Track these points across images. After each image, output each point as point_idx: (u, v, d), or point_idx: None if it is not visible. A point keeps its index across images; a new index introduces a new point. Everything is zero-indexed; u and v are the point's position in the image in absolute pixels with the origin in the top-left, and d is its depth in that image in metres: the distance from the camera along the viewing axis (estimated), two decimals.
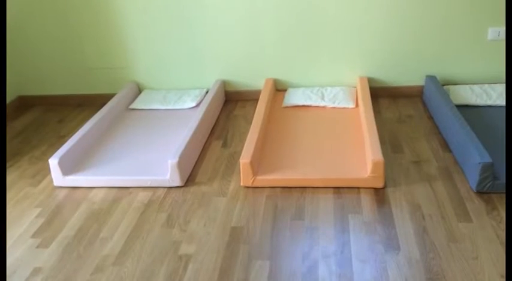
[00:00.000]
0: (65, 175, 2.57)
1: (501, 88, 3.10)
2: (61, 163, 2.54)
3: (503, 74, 3.22)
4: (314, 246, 2.03)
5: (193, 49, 3.40)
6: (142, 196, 2.45)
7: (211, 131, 3.10)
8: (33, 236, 2.22)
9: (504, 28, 3.08)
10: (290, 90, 3.39)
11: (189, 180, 2.57)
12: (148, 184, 2.50)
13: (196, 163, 2.73)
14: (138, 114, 3.25)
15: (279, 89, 3.48)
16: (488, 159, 2.21)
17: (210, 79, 3.49)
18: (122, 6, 3.30)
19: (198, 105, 3.28)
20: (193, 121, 2.85)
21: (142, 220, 2.28)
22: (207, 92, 3.40)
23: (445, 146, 2.70)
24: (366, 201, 2.30)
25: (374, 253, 1.97)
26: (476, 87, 3.14)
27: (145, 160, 2.68)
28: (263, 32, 3.29)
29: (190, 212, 2.31)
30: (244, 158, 2.43)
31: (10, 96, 3.66)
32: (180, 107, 3.28)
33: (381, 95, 3.38)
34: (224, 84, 3.50)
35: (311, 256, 1.98)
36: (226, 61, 3.43)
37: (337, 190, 2.40)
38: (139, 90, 3.58)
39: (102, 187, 2.55)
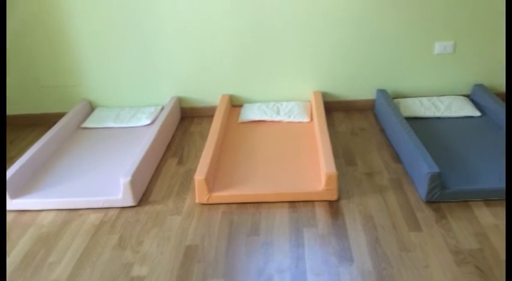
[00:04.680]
0: (12, 198, 2.46)
1: (448, 100, 3.22)
2: (8, 186, 2.44)
3: (451, 86, 3.34)
4: (269, 261, 2.02)
5: (148, 66, 3.37)
6: (94, 218, 2.38)
7: (167, 148, 3.06)
8: None
9: (450, 42, 3.21)
10: (246, 106, 3.41)
11: (143, 199, 2.51)
12: (99, 205, 2.43)
13: (150, 181, 2.68)
14: (91, 133, 3.18)
15: (235, 104, 3.49)
16: (436, 169, 2.27)
17: (166, 96, 3.46)
18: (73, 23, 3.24)
19: (153, 122, 3.24)
20: (147, 138, 2.80)
21: (93, 242, 2.20)
22: (162, 109, 3.36)
23: (396, 157, 2.76)
24: (321, 214, 2.31)
25: (328, 265, 1.98)
26: (425, 99, 3.25)
27: (97, 180, 2.61)
28: (218, 49, 3.30)
29: (143, 232, 2.25)
30: (199, 175, 2.41)
31: None
32: (135, 124, 3.22)
33: (335, 108, 3.44)
34: (180, 101, 3.48)
35: (266, 271, 1.97)
36: (181, 78, 3.41)
37: (293, 204, 2.41)
38: (91, 108, 3.50)
39: (51, 209, 2.46)
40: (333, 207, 2.36)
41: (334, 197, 2.39)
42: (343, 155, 2.83)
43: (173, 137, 3.21)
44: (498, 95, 3.20)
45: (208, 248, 2.12)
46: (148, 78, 3.42)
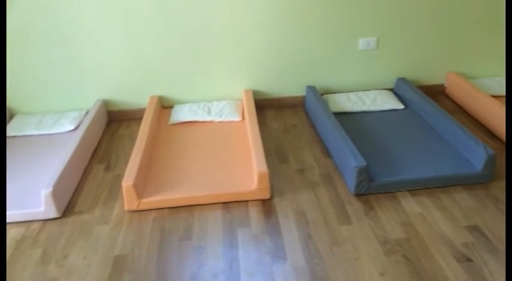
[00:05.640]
0: None
1: (373, 95, 3.32)
2: None
3: (375, 80, 3.45)
4: (203, 266, 1.98)
5: (70, 68, 3.20)
6: (14, 232, 2.22)
7: (93, 154, 2.92)
8: None
9: (373, 38, 3.31)
10: (176, 107, 3.33)
11: (68, 210, 2.38)
12: (20, 219, 2.28)
13: (75, 190, 2.55)
14: (10, 142, 2.96)
15: (165, 106, 3.40)
16: (363, 163, 2.33)
17: (91, 99, 3.30)
18: None
19: (77, 128, 3.08)
20: (70, 145, 2.66)
21: (13, 259, 2.06)
22: (87, 113, 3.20)
23: (326, 152, 2.81)
24: (254, 213, 2.30)
25: (262, 265, 1.97)
26: (352, 94, 3.33)
27: (18, 192, 2.44)
28: (146, 50, 3.20)
29: (68, 245, 2.13)
30: (127, 181, 2.32)
31: None
32: (57, 131, 3.05)
33: (266, 106, 3.45)
34: (106, 104, 3.34)
35: (200, 276, 1.93)
36: (107, 80, 3.27)
37: (226, 205, 2.38)
38: (10, 115, 3.27)
39: None
40: (266, 205, 2.35)
41: (266, 196, 2.39)
42: (275, 153, 2.84)
43: (100, 142, 3.08)
44: (420, 87, 3.34)
45: (138, 257, 2.04)
46: (71, 82, 3.25)
